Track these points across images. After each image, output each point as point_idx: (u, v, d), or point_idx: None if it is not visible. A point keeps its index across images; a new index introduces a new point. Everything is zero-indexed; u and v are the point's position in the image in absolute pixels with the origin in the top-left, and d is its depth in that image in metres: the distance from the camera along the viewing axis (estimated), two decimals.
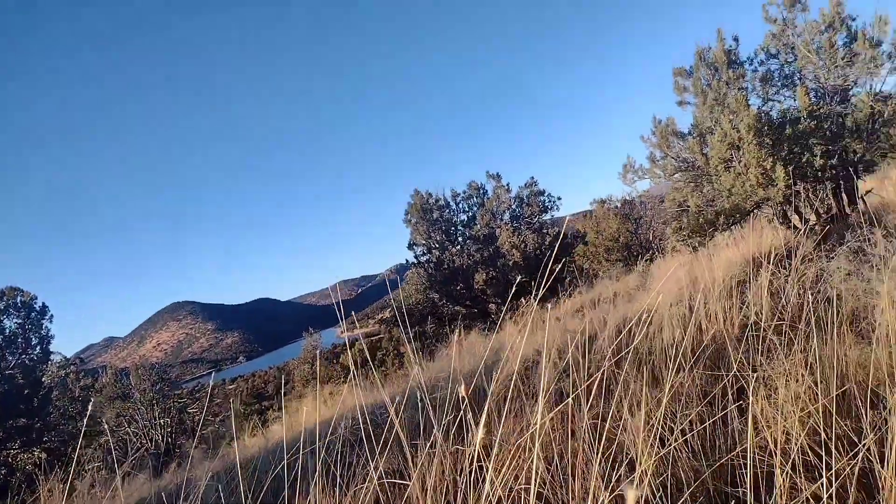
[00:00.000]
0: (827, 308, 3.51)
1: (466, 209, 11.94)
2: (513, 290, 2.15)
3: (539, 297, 1.37)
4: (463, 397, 1.40)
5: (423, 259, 10.85)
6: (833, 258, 4.05)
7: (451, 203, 11.74)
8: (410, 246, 10.98)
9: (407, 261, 11.06)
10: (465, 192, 11.95)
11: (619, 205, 7.17)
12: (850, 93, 5.28)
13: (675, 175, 5.62)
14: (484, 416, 1.10)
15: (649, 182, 5.81)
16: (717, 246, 6.19)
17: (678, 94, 5.59)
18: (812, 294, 3.77)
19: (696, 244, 5.51)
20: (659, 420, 1.52)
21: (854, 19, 5.24)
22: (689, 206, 5.45)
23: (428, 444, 1.56)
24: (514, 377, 1.52)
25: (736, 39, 5.45)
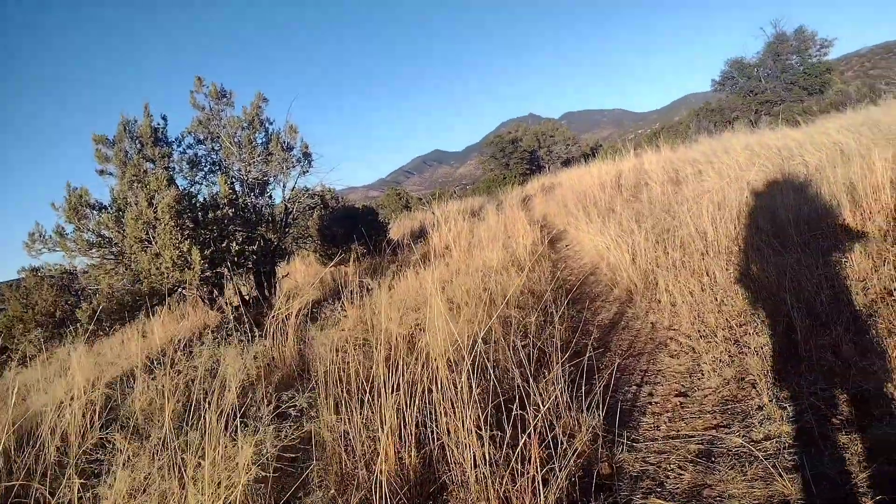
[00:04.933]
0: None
1: None
2: None
3: None
4: None
5: None
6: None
7: None
8: None
9: None
10: None
11: (58, 275, 6.03)
12: (269, 186, 5.96)
13: (92, 251, 5.07)
14: None
15: (63, 255, 5.08)
16: (151, 329, 5.95)
17: (100, 163, 5.11)
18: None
19: (111, 330, 5.08)
20: None
21: (272, 123, 5.98)
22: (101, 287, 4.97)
23: None
24: None
25: (164, 118, 5.41)
